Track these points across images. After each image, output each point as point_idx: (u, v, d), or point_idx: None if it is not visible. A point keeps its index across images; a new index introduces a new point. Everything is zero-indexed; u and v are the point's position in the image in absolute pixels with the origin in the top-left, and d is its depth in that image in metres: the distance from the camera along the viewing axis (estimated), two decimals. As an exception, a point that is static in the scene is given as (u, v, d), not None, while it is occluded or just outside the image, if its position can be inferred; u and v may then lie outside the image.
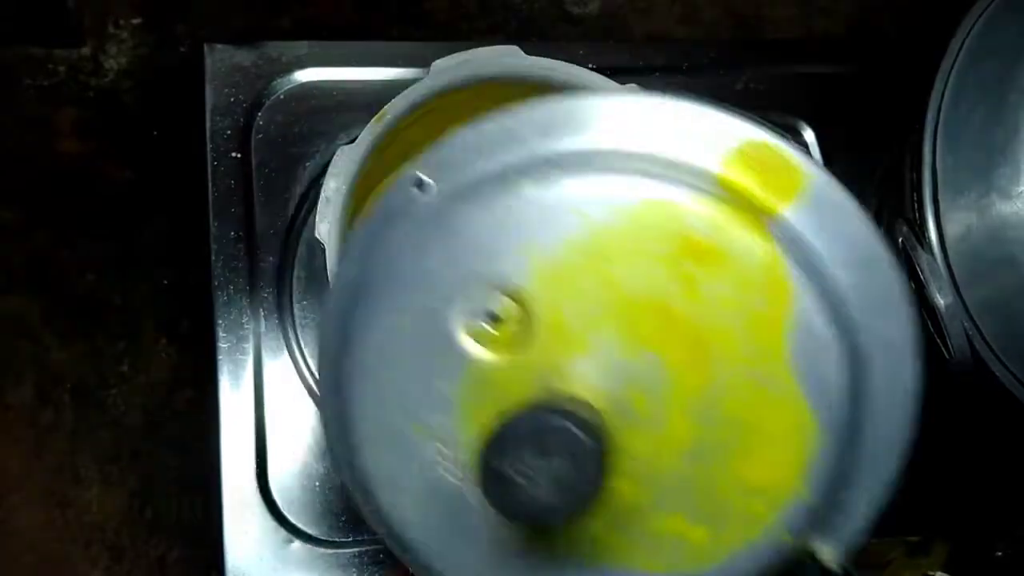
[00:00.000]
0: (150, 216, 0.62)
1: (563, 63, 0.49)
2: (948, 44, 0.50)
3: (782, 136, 0.36)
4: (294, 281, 0.55)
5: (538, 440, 0.28)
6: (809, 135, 0.63)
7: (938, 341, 0.50)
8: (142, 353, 0.61)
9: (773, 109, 0.63)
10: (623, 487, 0.32)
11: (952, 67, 0.49)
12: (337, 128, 0.57)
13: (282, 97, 0.57)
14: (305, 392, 0.54)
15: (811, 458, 0.33)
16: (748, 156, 0.32)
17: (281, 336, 0.54)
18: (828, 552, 0.34)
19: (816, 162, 0.34)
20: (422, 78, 0.47)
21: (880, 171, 0.63)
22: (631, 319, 0.31)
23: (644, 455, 0.32)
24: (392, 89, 0.47)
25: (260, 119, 0.57)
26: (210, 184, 0.55)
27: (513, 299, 0.31)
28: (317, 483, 0.53)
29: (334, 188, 0.44)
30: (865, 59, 0.66)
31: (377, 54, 0.59)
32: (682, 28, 0.72)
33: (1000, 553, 0.58)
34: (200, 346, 0.61)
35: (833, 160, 0.62)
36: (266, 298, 0.55)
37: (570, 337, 0.31)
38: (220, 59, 0.57)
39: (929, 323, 0.50)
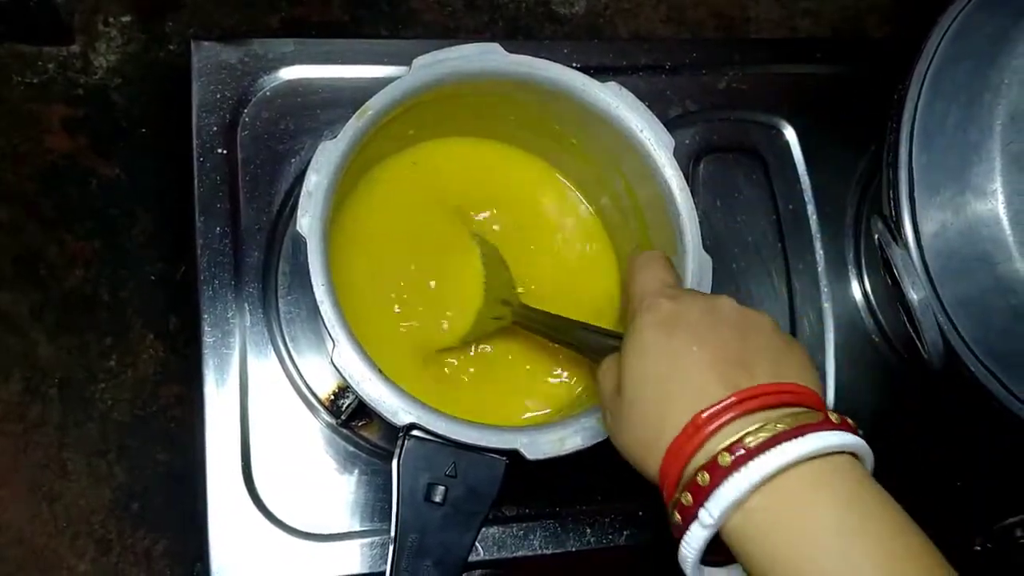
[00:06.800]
0: (138, 212, 0.63)
1: (544, 61, 0.49)
2: (924, 45, 0.51)
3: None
4: (279, 276, 0.55)
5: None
6: (790, 134, 0.63)
7: (914, 336, 0.51)
8: (129, 348, 0.61)
9: (755, 108, 0.63)
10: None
11: (928, 68, 0.50)
12: (322, 125, 0.58)
13: (268, 94, 0.58)
14: (290, 386, 0.54)
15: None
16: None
17: (266, 331, 0.55)
18: None
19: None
20: (404, 75, 0.48)
21: (860, 170, 0.64)
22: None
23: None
24: (377, 86, 0.47)
25: (246, 116, 0.57)
26: (196, 180, 0.56)
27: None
28: (301, 476, 0.53)
29: (316, 182, 0.44)
30: (847, 60, 0.67)
31: (362, 52, 0.59)
32: (667, 28, 0.72)
33: (979, 547, 0.59)
34: (187, 341, 0.61)
35: (814, 159, 0.63)
36: (251, 293, 0.55)
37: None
38: (207, 56, 0.57)
39: (905, 319, 0.51)
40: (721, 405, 0.35)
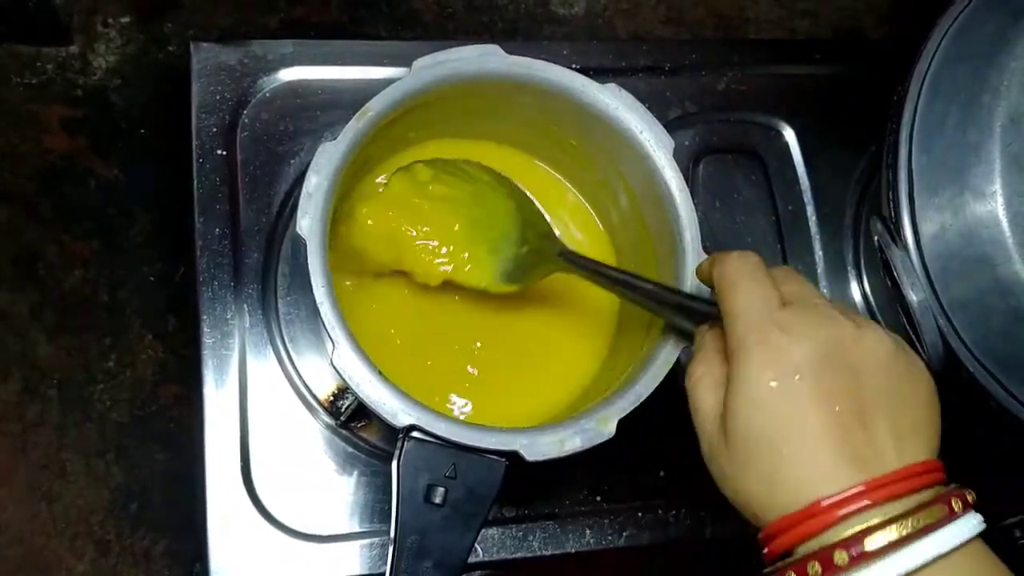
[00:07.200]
0: (137, 213, 0.63)
1: (543, 62, 0.49)
2: (924, 46, 0.51)
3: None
4: (278, 277, 0.56)
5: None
6: (790, 135, 0.63)
7: (913, 337, 0.51)
8: (128, 349, 0.61)
9: (754, 109, 0.64)
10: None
11: (928, 68, 0.50)
12: (322, 126, 0.58)
13: (267, 95, 0.58)
14: (289, 387, 0.54)
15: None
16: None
17: (265, 332, 0.55)
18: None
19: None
20: (404, 76, 0.47)
21: (859, 170, 0.64)
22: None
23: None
24: (376, 88, 0.47)
25: (245, 117, 0.57)
26: (195, 181, 0.56)
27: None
28: (300, 477, 0.53)
29: (315, 184, 0.44)
30: (847, 60, 0.67)
31: (361, 53, 0.59)
32: (666, 29, 0.72)
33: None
34: (186, 342, 0.61)
35: (813, 159, 0.63)
36: (251, 294, 0.55)
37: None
38: (206, 57, 0.57)
39: (905, 320, 0.51)
40: (845, 495, 0.33)
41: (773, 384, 0.34)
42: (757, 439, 0.35)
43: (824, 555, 0.33)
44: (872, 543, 0.32)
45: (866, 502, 0.33)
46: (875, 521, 0.32)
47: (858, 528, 0.32)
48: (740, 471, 0.36)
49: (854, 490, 0.33)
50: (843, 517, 0.33)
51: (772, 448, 0.34)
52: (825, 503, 0.33)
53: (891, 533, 0.32)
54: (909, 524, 0.32)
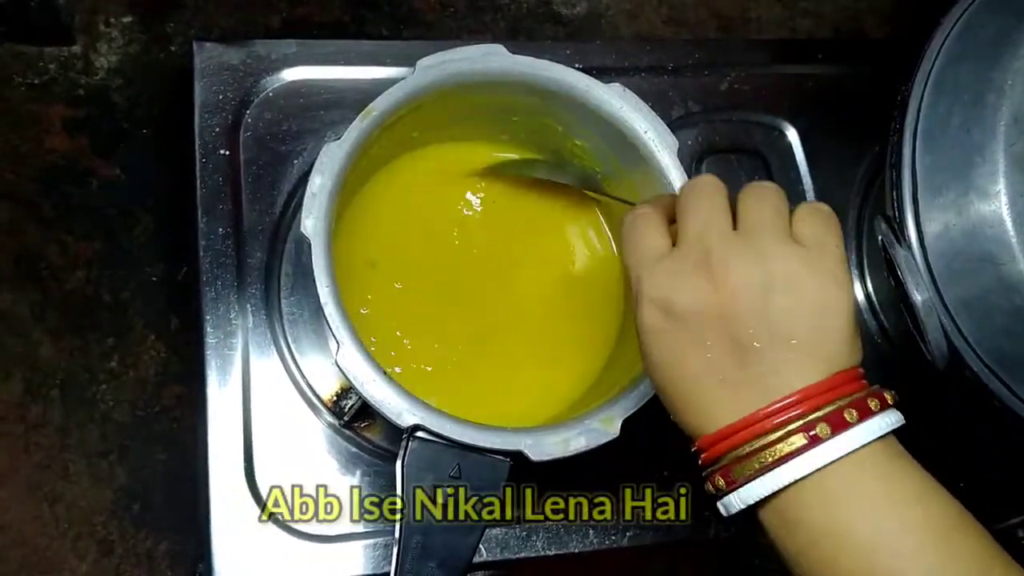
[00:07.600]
0: (139, 213, 0.62)
1: (547, 62, 0.49)
2: (928, 45, 0.51)
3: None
4: (282, 277, 0.55)
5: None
6: (792, 135, 0.63)
7: (917, 337, 0.51)
8: (131, 349, 0.61)
9: (757, 109, 0.64)
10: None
11: (931, 68, 0.50)
12: (325, 126, 0.58)
13: (271, 95, 0.58)
14: (292, 386, 0.54)
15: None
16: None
17: (268, 332, 0.55)
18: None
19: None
20: (408, 76, 0.48)
21: (862, 170, 0.64)
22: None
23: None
24: (380, 87, 0.47)
25: (249, 117, 0.57)
26: (198, 181, 0.56)
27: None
28: (304, 477, 0.53)
29: (320, 184, 0.44)
30: (849, 60, 0.67)
31: (365, 53, 0.59)
32: (668, 29, 0.72)
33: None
34: (188, 342, 0.61)
35: (816, 159, 0.63)
36: (254, 294, 0.55)
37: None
38: (209, 57, 0.57)
39: (909, 320, 0.51)
40: (720, 432, 0.37)
41: (656, 333, 0.38)
42: (657, 377, 0.39)
43: (712, 478, 0.38)
44: (736, 474, 0.37)
45: (740, 435, 0.36)
46: (745, 451, 0.36)
47: (728, 460, 0.37)
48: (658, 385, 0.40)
49: (728, 428, 0.37)
50: (726, 448, 0.37)
51: (667, 388, 0.39)
52: (710, 438, 0.37)
53: (752, 466, 0.36)
54: (819, 429, 0.36)
